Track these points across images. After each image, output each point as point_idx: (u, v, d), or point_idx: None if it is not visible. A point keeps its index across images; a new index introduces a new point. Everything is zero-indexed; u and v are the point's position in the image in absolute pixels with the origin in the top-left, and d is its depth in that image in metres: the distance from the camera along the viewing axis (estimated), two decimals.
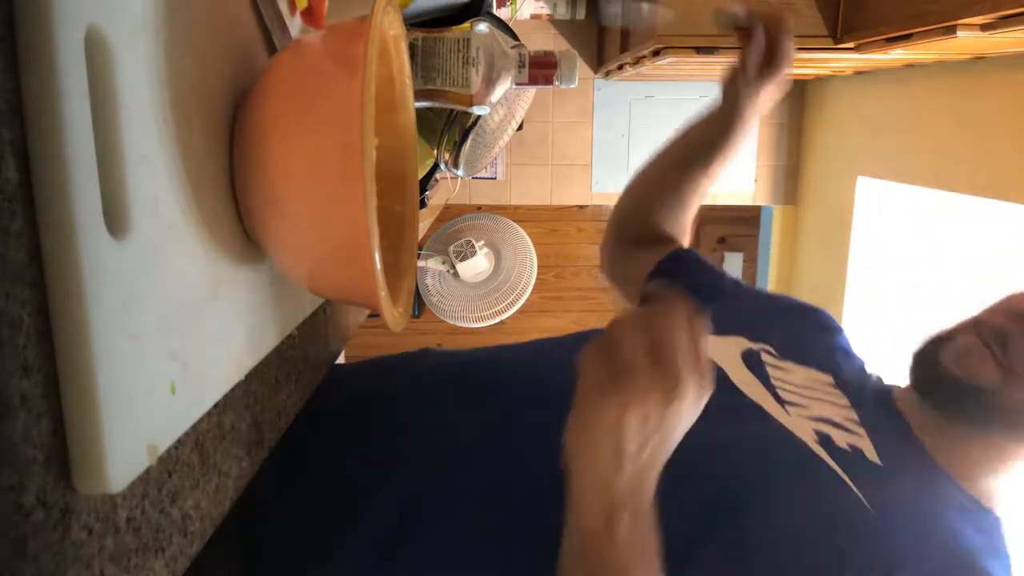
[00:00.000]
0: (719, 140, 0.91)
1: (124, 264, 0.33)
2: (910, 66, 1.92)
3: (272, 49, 0.54)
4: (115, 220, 0.32)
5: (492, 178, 2.73)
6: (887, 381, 0.78)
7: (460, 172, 0.98)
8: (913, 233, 2.14)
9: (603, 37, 2.36)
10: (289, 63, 0.45)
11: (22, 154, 0.29)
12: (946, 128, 1.84)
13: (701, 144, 0.94)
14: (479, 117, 0.94)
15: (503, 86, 0.73)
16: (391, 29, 0.50)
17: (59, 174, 0.29)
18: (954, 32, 1.22)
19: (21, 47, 0.28)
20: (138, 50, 0.35)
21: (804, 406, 0.69)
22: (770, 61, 0.85)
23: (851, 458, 0.63)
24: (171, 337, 0.38)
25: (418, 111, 0.65)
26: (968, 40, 1.26)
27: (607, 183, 2.65)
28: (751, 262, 3.46)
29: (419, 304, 2.99)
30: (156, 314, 0.36)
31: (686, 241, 1.00)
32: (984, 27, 1.20)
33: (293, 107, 0.41)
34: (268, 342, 0.54)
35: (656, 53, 1.77)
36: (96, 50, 0.31)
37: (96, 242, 0.31)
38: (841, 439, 0.66)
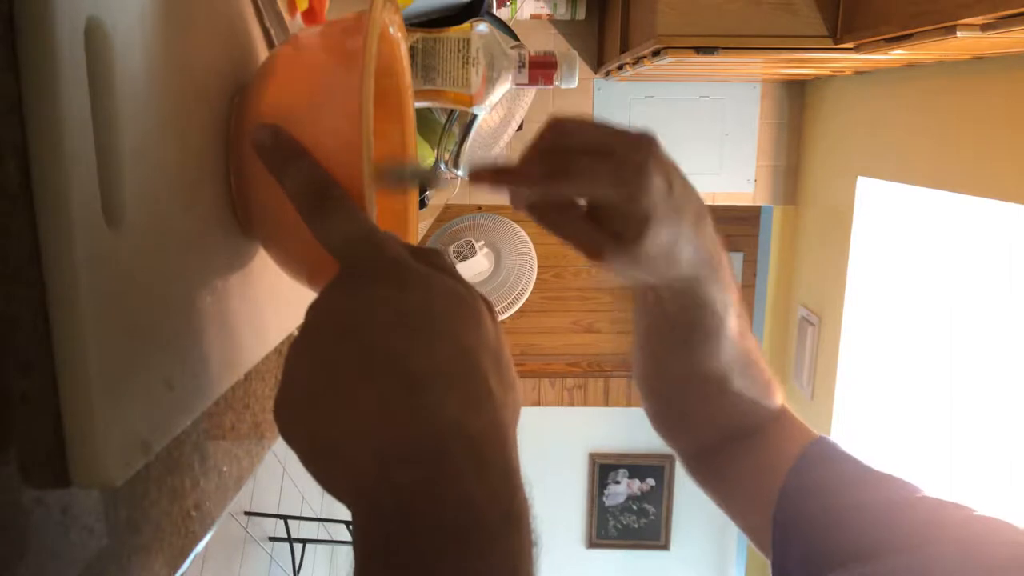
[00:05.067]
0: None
1: (122, 258, 0.33)
2: (910, 66, 1.92)
3: (272, 48, 0.54)
4: (113, 214, 0.32)
5: None
6: None
7: (460, 172, 0.98)
8: (913, 233, 2.13)
9: (603, 37, 2.36)
10: (287, 59, 0.45)
11: (21, 151, 0.29)
12: (946, 128, 1.84)
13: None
14: (476, 116, 0.94)
15: (503, 86, 0.73)
16: (390, 25, 0.50)
17: (58, 166, 0.29)
18: (954, 32, 1.22)
19: (20, 37, 0.28)
20: (137, 43, 0.35)
21: None
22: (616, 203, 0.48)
23: None
24: (168, 334, 0.38)
25: (418, 111, 0.65)
26: (968, 40, 1.26)
27: None
28: (751, 262, 3.47)
29: None
30: (154, 310, 0.36)
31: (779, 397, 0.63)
32: (984, 27, 1.20)
33: (291, 103, 0.41)
34: (268, 341, 0.54)
35: (656, 53, 1.77)
36: (96, 42, 0.31)
37: (94, 235, 0.31)
38: None
